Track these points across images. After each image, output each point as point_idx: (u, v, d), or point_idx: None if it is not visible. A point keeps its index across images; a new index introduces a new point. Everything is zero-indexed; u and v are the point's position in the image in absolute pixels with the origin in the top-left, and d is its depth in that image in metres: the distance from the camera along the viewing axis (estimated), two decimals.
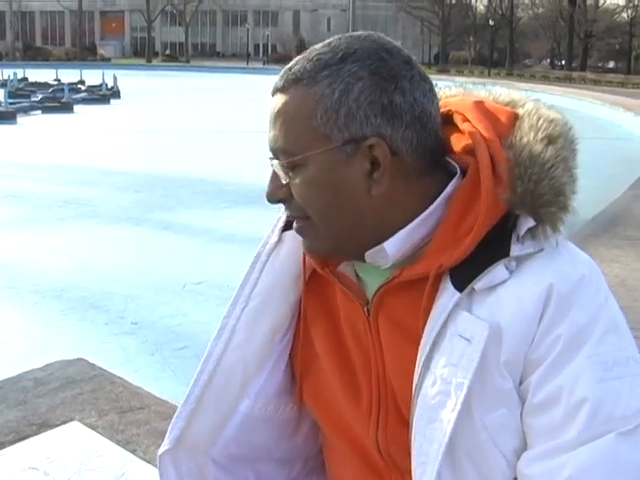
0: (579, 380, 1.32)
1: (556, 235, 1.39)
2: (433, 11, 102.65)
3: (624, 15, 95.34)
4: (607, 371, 1.33)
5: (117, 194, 14.45)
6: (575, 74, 72.42)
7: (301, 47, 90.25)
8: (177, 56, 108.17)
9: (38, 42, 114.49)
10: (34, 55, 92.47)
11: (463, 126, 1.47)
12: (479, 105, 1.49)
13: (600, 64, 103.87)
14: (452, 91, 1.61)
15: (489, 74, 77.58)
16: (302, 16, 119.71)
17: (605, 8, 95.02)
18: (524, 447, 1.38)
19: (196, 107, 34.01)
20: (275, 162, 1.45)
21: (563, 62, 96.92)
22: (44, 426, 3.55)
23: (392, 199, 1.42)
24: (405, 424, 1.46)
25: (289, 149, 1.42)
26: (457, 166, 1.46)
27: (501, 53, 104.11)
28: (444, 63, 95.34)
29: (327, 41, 1.45)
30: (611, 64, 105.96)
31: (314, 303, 1.64)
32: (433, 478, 1.37)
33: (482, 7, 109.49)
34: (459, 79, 59.64)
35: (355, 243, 1.46)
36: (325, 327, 1.62)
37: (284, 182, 1.45)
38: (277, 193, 1.48)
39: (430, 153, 1.44)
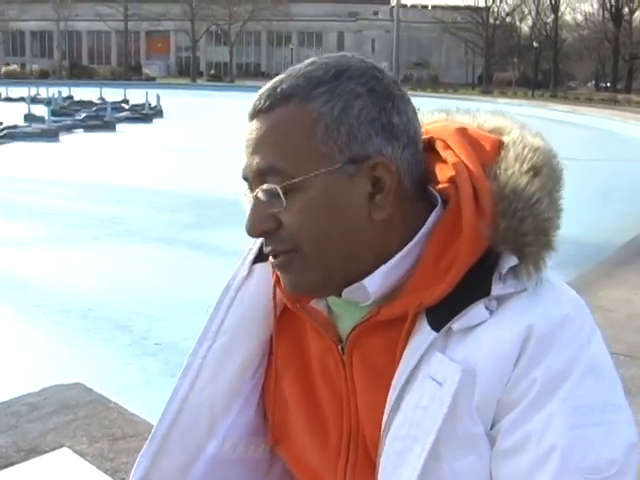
0: (551, 426, 1.25)
1: (539, 274, 1.32)
2: (477, 32, 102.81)
3: None
4: (581, 417, 1.25)
5: (153, 213, 14.55)
6: (620, 96, 71.92)
7: None
8: (221, 76, 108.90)
9: (84, 61, 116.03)
10: (80, 74, 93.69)
11: (445, 154, 1.40)
12: (462, 132, 1.42)
13: None
14: (434, 116, 1.53)
15: (533, 95, 77.42)
16: (346, 37, 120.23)
17: None
18: None
19: (238, 127, 34.05)
20: (266, 186, 1.32)
21: (608, 84, 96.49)
22: (33, 452, 3.51)
23: (390, 225, 1.35)
24: (374, 470, 1.38)
25: (286, 170, 1.30)
26: (438, 197, 1.39)
27: (545, 74, 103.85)
28: (488, 84, 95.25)
29: (309, 60, 1.37)
30: None
31: (286, 340, 1.56)
32: None
33: (526, 28, 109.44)
34: (502, 100, 59.54)
35: (348, 274, 1.36)
36: (296, 366, 1.55)
37: (276, 210, 1.32)
38: (262, 224, 1.35)
39: (421, 177, 1.38)
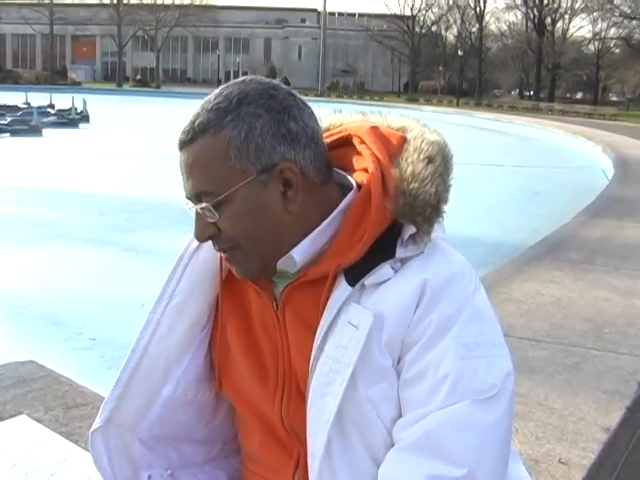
0: (444, 358, 1.59)
1: (429, 238, 1.67)
2: (403, 41, 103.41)
3: (591, 47, 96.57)
4: (468, 351, 1.60)
5: (82, 216, 14.48)
6: (543, 105, 73.01)
7: (272, 74, 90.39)
8: (148, 81, 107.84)
9: (9, 65, 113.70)
10: (4, 78, 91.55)
11: (360, 147, 1.75)
12: (375, 130, 1.77)
13: (568, 95, 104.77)
14: (353, 117, 1.88)
15: (458, 104, 77.88)
16: (273, 44, 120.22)
17: (572, 40, 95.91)
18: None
19: (164, 132, 33.59)
20: (201, 205, 1.65)
21: (531, 93, 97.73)
22: None
23: (305, 210, 1.68)
24: (304, 401, 1.70)
25: (213, 190, 1.63)
26: (354, 182, 1.73)
27: (470, 83, 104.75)
28: (413, 92, 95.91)
29: (217, 91, 1.69)
30: (579, 95, 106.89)
31: (229, 300, 1.87)
32: (324, 444, 1.63)
33: (452, 37, 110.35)
34: (428, 108, 59.69)
35: (280, 255, 1.69)
36: (238, 321, 1.86)
37: (213, 220, 1.65)
38: (206, 232, 1.68)
39: (325, 166, 1.71)
